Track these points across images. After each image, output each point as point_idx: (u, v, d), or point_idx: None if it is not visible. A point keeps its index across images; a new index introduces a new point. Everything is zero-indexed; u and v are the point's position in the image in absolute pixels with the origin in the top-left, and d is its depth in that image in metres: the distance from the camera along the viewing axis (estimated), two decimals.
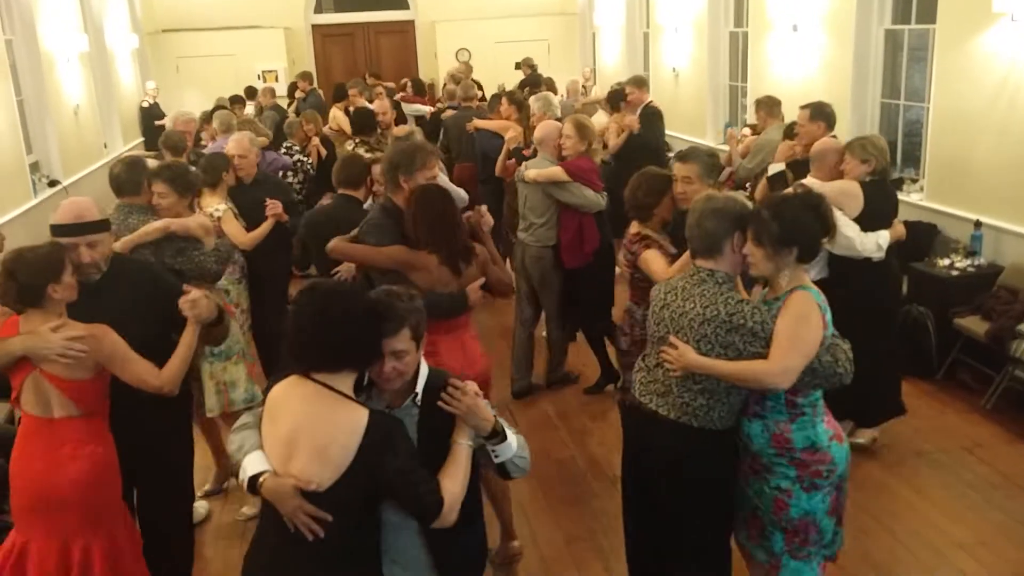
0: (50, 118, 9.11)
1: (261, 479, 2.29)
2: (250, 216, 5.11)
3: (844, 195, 4.45)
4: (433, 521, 2.32)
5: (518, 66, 12.27)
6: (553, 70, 12.64)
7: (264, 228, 5.09)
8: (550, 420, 5.50)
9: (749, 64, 9.31)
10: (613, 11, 13.33)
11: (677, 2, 10.96)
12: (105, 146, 11.45)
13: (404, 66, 15.34)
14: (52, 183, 8.90)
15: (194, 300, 3.12)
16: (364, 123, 7.13)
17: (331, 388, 2.29)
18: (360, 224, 3.91)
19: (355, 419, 2.26)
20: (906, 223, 4.95)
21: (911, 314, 5.65)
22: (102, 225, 3.11)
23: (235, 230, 4.94)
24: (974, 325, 5.37)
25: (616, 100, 8.18)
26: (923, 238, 6.12)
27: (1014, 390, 5.28)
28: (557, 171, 5.31)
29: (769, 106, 6.83)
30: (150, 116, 12.75)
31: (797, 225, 2.83)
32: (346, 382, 2.32)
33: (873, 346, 4.18)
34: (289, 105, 11.63)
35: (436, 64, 14.94)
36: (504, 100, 7.63)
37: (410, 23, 15.74)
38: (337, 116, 9.20)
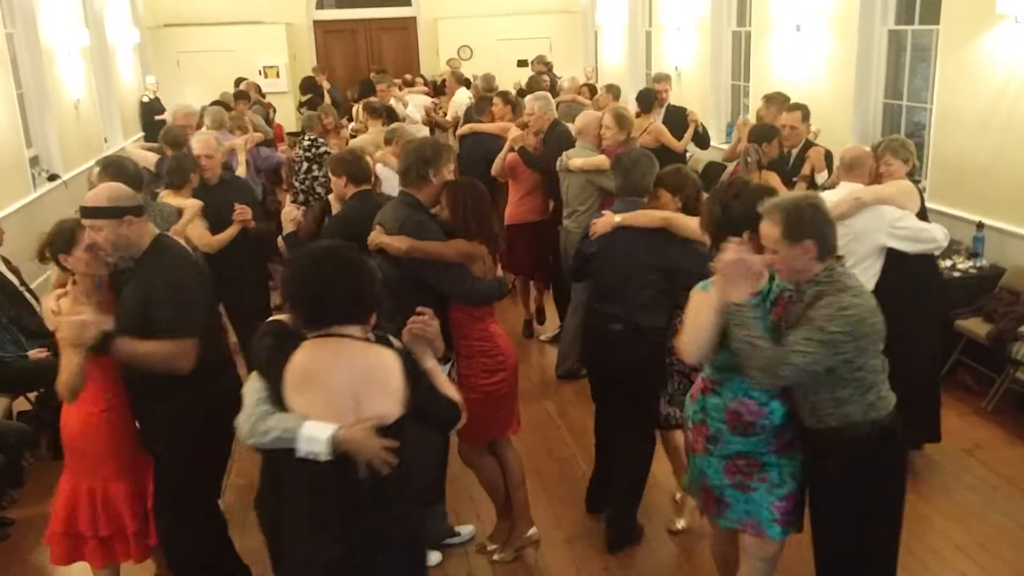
0: (50, 112, 9.08)
1: (339, 436, 2.35)
2: (213, 218, 4.97)
3: (906, 195, 4.40)
4: (457, 422, 2.63)
5: (521, 64, 12.22)
6: (555, 68, 12.62)
7: (229, 233, 4.98)
8: (551, 419, 5.49)
9: (752, 64, 9.30)
10: (615, 10, 13.31)
11: (680, 1, 10.95)
12: (105, 140, 11.41)
13: (406, 63, 15.31)
14: (52, 177, 8.88)
15: (59, 323, 3.09)
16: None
17: (358, 339, 2.45)
18: (389, 222, 3.78)
19: (392, 356, 2.47)
20: None
21: None
22: (101, 212, 3.13)
23: (199, 232, 4.84)
24: (975, 327, 5.37)
25: (650, 100, 7.73)
26: None
27: (1015, 392, 5.28)
28: (602, 160, 5.48)
29: (779, 102, 6.80)
30: (150, 111, 12.73)
31: None
32: (359, 331, 2.47)
33: (918, 351, 4.28)
34: (303, 98, 11.55)
35: (438, 61, 14.91)
36: (498, 100, 7.33)
37: (412, 20, 15.72)
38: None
